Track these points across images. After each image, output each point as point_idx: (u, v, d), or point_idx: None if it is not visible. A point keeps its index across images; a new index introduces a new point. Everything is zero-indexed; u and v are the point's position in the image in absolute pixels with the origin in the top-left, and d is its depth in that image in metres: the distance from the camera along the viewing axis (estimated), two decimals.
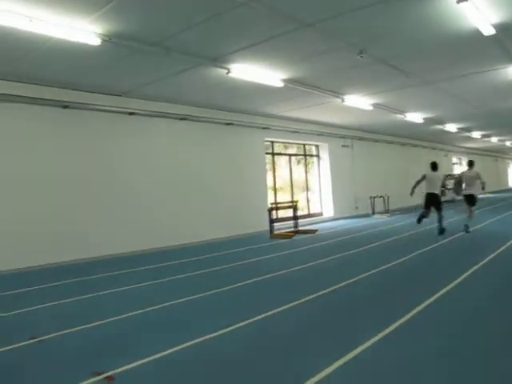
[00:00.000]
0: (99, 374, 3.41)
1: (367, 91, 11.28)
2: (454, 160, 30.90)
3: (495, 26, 6.77)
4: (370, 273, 6.81)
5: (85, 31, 6.23)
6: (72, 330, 4.60)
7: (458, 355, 3.49)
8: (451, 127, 19.01)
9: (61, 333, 4.50)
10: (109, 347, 4.12)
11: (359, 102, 12.21)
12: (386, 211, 18.01)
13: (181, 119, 11.41)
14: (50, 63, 7.66)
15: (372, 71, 9.25)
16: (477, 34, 7.01)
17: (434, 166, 10.82)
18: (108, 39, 6.50)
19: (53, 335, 4.44)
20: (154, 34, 6.60)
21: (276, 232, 12.63)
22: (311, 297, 5.53)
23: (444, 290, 5.47)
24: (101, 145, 9.87)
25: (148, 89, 9.70)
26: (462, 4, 5.81)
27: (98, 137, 9.82)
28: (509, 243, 8.87)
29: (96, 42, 6.47)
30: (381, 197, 18.17)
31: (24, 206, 8.56)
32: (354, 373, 3.27)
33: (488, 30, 6.83)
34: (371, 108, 12.94)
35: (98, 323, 4.81)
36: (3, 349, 4.11)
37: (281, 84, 9.50)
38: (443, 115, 16.01)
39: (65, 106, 9.13)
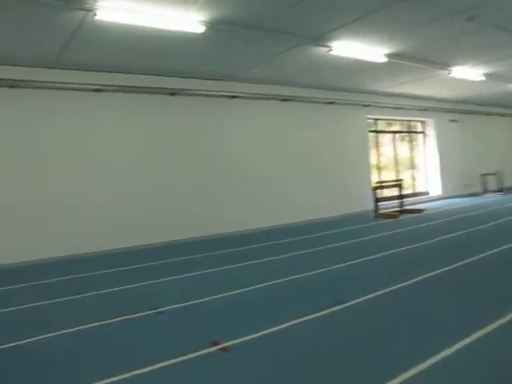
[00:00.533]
0: (217, 344, 3.59)
1: (477, 61, 10.58)
2: None
3: None
4: (485, 254, 6.50)
5: (191, 20, 6.54)
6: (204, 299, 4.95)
7: None
8: None
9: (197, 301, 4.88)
10: (235, 318, 4.35)
11: (468, 73, 11.51)
12: (500, 189, 16.90)
13: (283, 100, 11.53)
14: (161, 54, 8.13)
15: (483, 38, 8.64)
16: None
17: None
18: (211, 26, 6.74)
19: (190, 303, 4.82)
20: (254, 17, 6.71)
21: (381, 211, 12.40)
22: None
23: None
24: (206, 128, 10.29)
25: (250, 72, 9.89)
26: None
27: (202, 120, 10.24)
28: None
29: (200, 29, 6.75)
30: (493, 174, 17.06)
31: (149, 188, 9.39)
32: None
33: None
34: (483, 78, 12.15)
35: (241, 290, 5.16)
36: (124, 318, 4.50)
37: (384, 59, 9.24)
38: None
39: (172, 93, 9.64)
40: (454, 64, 10.73)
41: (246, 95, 10.76)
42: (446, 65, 10.71)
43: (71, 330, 4.19)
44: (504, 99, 17.05)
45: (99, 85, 8.75)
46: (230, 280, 5.97)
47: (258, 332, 3.81)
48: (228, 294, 5.18)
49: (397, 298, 4.61)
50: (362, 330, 3.79)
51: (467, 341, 3.29)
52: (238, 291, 5.27)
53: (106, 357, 3.57)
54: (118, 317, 4.50)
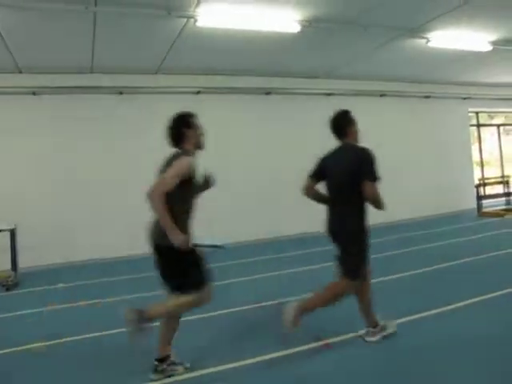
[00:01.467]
0: (320, 340, 3.64)
1: None
2: None
3: None
4: None
5: (287, 19, 6.56)
6: None
7: None
8: None
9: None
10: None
11: None
12: None
13: (380, 96, 11.28)
14: (255, 55, 8.26)
15: None
16: None
17: None
18: (308, 24, 6.70)
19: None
20: (347, 12, 6.60)
21: (485, 210, 11.64)
22: None
23: None
24: (300, 127, 10.22)
25: (345, 69, 9.80)
26: None
27: (296, 119, 10.20)
28: None
29: (296, 28, 6.74)
30: None
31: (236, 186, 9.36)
32: None
33: None
34: None
35: None
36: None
37: (489, 47, 8.63)
38: None
39: (267, 92, 9.78)
40: None
41: (343, 92, 10.56)
42: None
43: None
44: None
45: (199, 87, 9.17)
46: None
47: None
48: None
49: None
50: None
51: None
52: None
53: None
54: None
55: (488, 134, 14.64)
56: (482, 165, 13.78)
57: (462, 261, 6.33)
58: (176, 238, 2.97)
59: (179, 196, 3.07)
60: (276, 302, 4.68)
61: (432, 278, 5.57)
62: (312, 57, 8.75)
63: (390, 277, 5.67)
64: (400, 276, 5.74)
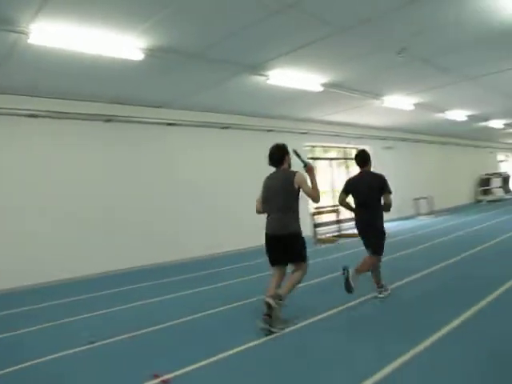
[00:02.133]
0: (157, 377, 3.55)
1: (407, 91, 11.14)
2: (501, 157, 30.00)
3: None
4: (415, 276, 6.73)
5: (129, 47, 6.47)
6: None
7: None
8: (497, 123, 18.50)
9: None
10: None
11: (399, 102, 12.08)
12: (431, 212, 17.65)
13: (223, 128, 11.58)
14: (95, 80, 7.98)
15: (412, 70, 9.15)
16: None
17: None
18: (150, 53, 6.72)
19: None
20: (193, 45, 6.76)
21: (319, 237, 12.59)
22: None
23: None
24: (141, 156, 10.12)
25: (188, 99, 9.90)
26: None
27: (138, 148, 10.08)
28: None
29: (139, 56, 6.70)
30: (425, 198, 17.83)
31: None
32: None
33: None
34: (412, 108, 12.77)
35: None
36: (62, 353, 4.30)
37: (320, 88, 9.53)
38: (488, 111, 15.59)
39: (108, 119, 9.46)
40: (387, 94, 11.23)
41: (185, 122, 10.73)
42: (379, 94, 11.20)
43: None
44: (433, 128, 18.00)
45: (33, 110, 8.46)
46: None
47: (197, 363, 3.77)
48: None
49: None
50: None
51: None
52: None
53: None
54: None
55: (324, 166, 15.92)
56: None
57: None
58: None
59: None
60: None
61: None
62: (155, 86, 8.76)
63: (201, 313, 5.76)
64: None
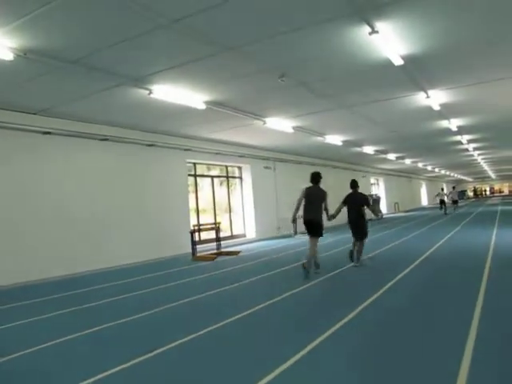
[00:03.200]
0: None
1: (288, 114, 11.56)
2: (372, 181, 32.31)
3: (403, 57, 7.34)
4: (292, 292, 6.87)
5: None
6: None
7: None
8: (369, 149, 19.95)
9: None
10: None
11: (280, 124, 12.48)
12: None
13: (101, 140, 11.06)
14: None
15: (292, 94, 9.54)
16: (388, 63, 7.50)
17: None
18: (23, 54, 6.18)
19: None
20: (72, 51, 6.39)
21: (198, 254, 12.49)
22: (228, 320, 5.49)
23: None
24: (15, 165, 9.31)
25: (67, 107, 9.33)
26: (374, 36, 6.22)
27: (9, 156, 9.24)
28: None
29: (8, 56, 6.13)
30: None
31: None
32: None
33: (397, 61, 7.35)
34: (292, 131, 13.26)
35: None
36: None
37: (203, 106, 9.52)
38: (361, 138, 16.77)
39: None
40: (268, 115, 11.55)
41: (61, 132, 10.06)
42: (261, 115, 11.47)
43: None
44: (312, 150, 18.86)
45: None
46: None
47: None
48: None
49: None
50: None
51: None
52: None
53: None
54: None
55: (206, 183, 15.92)
56: (197, 212, 14.85)
57: (162, 308, 6.39)
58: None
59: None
60: None
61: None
62: (29, 90, 8.10)
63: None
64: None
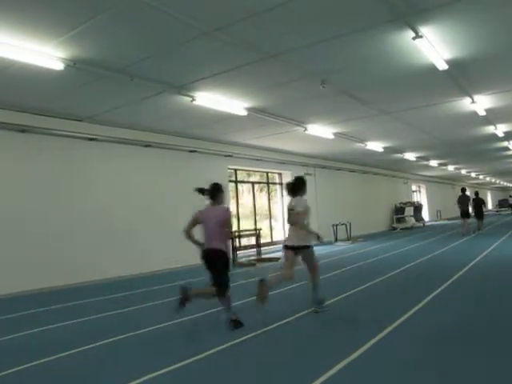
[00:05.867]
0: None
1: (329, 120, 11.53)
2: (414, 188, 31.75)
3: (448, 62, 7.18)
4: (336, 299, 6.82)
5: (48, 56, 6.17)
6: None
7: None
8: (410, 156, 19.60)
9: None
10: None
11: (321, 131, 12.45)
12: (348, 238, 18.22)
13: (145, 146, 11.34)
14: (13, 87, 7.56)
15: (333, 101, 9.52)
16: (432, 68, 7.40)
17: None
18: (72, 64, 6.45)
19: None
20: (117, 60, 6.60)
21: (239, 260, 12.57)
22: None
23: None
24: (60, 170, 9.65)
25: (111, 114, 9.60)
26: (418, 40, 6.13)
27: (57, 162, 9.61)
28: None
29: (59, 66, 6.41)
30: (343, 224, 18.40)
31: None
32: None
33: (442, 65, 7.22)
34: (333, 137, 13.20)
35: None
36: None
37: (245, 113, 9.61)
38: (402, 144, 16.51)
39: (23, 130, 8.93)
40: (309, 122, 11.55)
41: (107, 138, 10.39)
42: (302, 122, 11.48)
43: None
44: (352, 156, 18.74)
45: None
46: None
47: None
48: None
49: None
50: None
51: None
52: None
53: None
54: None
55: (246, 189, 16.03)
56: (238, 218, 14.95)
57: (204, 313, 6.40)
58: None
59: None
60: None
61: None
62: (75, 98, 8.41)
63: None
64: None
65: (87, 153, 10.15)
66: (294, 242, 6.01)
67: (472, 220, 17.91)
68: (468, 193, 18.06)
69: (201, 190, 5.89)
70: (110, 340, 5.12)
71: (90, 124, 10.06)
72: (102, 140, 10.34)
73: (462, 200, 17.04)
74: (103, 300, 7.98)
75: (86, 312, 6.77)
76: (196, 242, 5.88)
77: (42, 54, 6.10)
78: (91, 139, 10.14)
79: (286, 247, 6.12)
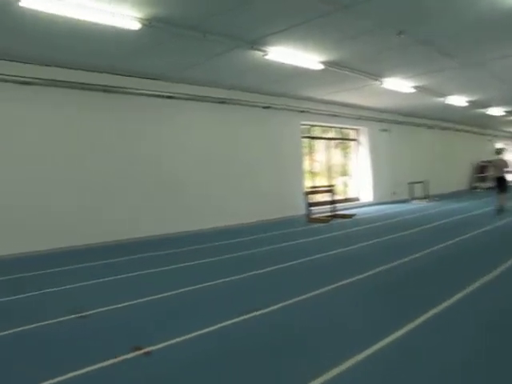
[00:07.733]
0: (139, 349, 3.48)
1: (407, 74, 11.03)
2: (499, 145, 29.92)
3: None
4: (408, 258, 6.71)
5: (125, 16, 6.33)
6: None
7: None
8: (497, 111, 18.37)
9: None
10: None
11: (398, 84, 11.96)
12: (425, 197, 17.67)
13: (219, 102, 11.47)
14: (93, 49, 7.84)
15: (412, 52, 9.04)
16: None
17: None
18: (148, 23, 6.58)
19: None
20: (190, 17, 6.64)
21: (313, 216, 12.59)
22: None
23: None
24: (137, 128, 10.02)
25: (186, 72, 9.76)
26: None
27: (135, 119, 9.98)
28: None
29: (136, 26, 6.58)
30: (420, 182, 17.83)
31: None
32: None
33: None
34: (411, 91, 12.66)
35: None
36: (47, 322, 4.29)
37: (319, 67, 9.40)
38: (489, 98, 15.46)
39: (105, 90, 9.31)
40: (386, 75, 11.11)
41: (182, 96, 10.60)
42: (378, 75, 11.07)
43: None
44: (431, 112, 17.88)
45: (27, 77, 8.24)
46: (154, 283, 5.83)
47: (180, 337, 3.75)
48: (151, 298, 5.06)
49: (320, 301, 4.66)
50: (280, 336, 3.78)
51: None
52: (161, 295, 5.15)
53: (22, 365, 3.36)
54: (39, 322, 4.28)
55: (321, 146, 15.86)
56: (313, 174, 14.90)
57: (287, 264, 6.66)
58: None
59: None
60: None
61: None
62: (152, 57, 8.58)
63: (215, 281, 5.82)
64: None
65: (167, 111, 10.50)
66: None
67: None
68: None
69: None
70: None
71: (167, 83, 10.31)
72: (178, 98, 10.56)
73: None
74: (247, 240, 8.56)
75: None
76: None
77: (120, 14, 6.27)
78: (169, 97, 10.39)
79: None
